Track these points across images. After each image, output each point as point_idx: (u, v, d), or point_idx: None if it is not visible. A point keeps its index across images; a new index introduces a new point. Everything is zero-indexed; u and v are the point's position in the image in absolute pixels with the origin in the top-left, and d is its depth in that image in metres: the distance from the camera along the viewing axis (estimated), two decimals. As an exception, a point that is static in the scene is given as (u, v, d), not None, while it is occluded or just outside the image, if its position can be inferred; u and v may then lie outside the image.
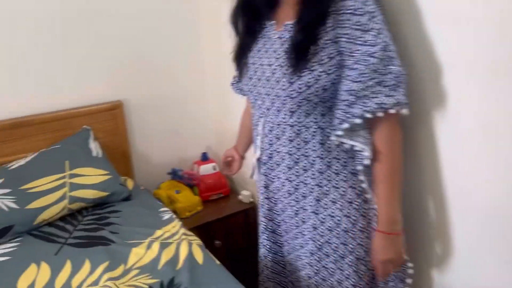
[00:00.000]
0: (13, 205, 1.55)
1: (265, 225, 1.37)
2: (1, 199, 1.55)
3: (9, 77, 1.79)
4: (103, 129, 1.98)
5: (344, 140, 1.12)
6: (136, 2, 1.99)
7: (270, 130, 1.24)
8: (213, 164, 2.17)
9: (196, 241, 1.47)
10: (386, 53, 1.04)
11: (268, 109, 1.23)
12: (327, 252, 1.23)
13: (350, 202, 1.19)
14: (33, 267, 1.37)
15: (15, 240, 1.53)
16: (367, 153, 1.11)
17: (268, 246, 1.39)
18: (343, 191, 1.19)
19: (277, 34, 1.19)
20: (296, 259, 1.31)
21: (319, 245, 1.23)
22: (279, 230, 1.35)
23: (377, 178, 1.15)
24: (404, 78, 1.07)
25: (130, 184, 1.91)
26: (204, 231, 1.97)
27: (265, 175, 1.31)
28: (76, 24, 1.88)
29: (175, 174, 2.12)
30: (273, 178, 1.29)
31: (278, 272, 1.41)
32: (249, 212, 2.08)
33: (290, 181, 1.25)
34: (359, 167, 1.15)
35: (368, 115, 1.06)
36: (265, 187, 1.33)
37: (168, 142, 2.21)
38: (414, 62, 1.17)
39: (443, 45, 1.11)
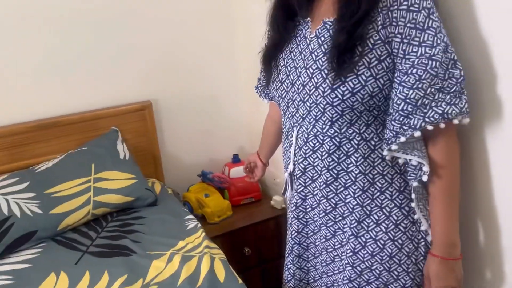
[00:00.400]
0: (37, 210, 1.52)
1: (290, 248, 1.26)
2: (25, 203, 1.53)
3: (35, 77, 1.76)
4: (131, 130, 1.93)
5: (399, 155, 0.99)
6: (167, 2, 1.91)
7: (305, 142, 1.11)
8: (245, 166, 2.07)
9: (219, 255, 1.38)
10: (447, 55, 0.91)
11: (302, 118, 1.09)
12: (368, 279, 1.10)
13: (396, 224, 1.06)
14: (52, 276, 1.33)
15: (38, 246, 1.50)
16: (426, 168, 0.97)
17: (291, 270, 1.28)
18: (388, 211, 1.06)
19: (314, 32, 1.05)
20: (327, 286, 1.19)
21: (359, 271, 1.11)
22: (306, 255, 1.24)
23: (434, 196, 1.01)
24: (465, 82, 0.93)
25: (157, 187, 1.86)
26: (234, 237, 1.89)
27: (298, 192, 1.18)
28: (105, 24, 1.82)
29: (205, 177, 2.05)
30: (307, 195, 1.17)
31: None
32: (281, 219, 1.97)
33: (327, 199, 1.11)
34: (415, 184, 1.00)
35: (429, 127, 0.93)
36: (296, 205, 1.20)
37: (199, 143, 2.14)
38: (469, 65, 1.01)
39: (502, 46, 0.96)
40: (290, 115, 1.14)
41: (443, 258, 1.00)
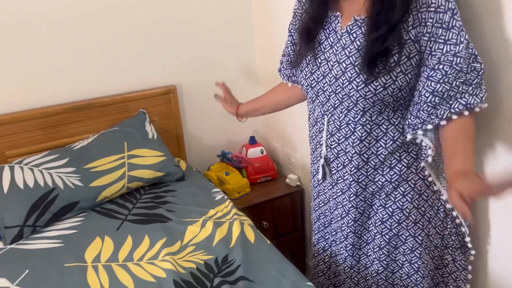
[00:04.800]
0: (78, 183, 1.66)
1: (318, 230, 1.39)
2: (67, 177, 1.67)
3: (71, 63, 1.90)
4: (158, 112, 2.07)
5: (419, 137, 1.12)
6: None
7: (338, 129, 1.20)
8: (261, 147, 2.22)
9: (247, 221, 1.54)
10: (469, 51, 1.01)
11: (334, 107, 1.18)
12: (396, 244, 1.24)
13: (420, 193, 1.19)
14: (98, 240, 1.47)
15: (80, 215, 1.64)
16: (431, 151, 1.10)
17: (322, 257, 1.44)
18: (414, 183, 1.19)
19: (345, 28, 1.12)
20: (360, 259, 1.33)
21: (388, 238, 1.24)
22: (332, 239, 1.39)
23: (458, 137, 1.05)
24: (483, 73, 1.04)
25: (183, 165, 2.00)
26: (253, 212, 2.03)
27: (331, 175, 1.28)
28: (134, 14, 1.96)
29: (224, 157, 2.19)
30: (338, 180, 1.26)
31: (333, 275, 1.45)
32: (296, 195, 2.12)
33: (358, 182, 1.22)
34: (422, 164, 1.15)
35: (455, 116, 1.04)
36: (332, 185, 1.30)
37: (218, 126, 2.28)
38: (490, 58, 1.14)
39: None
40: (320, 103, 1.21)
41: (463, 171, 1.00)
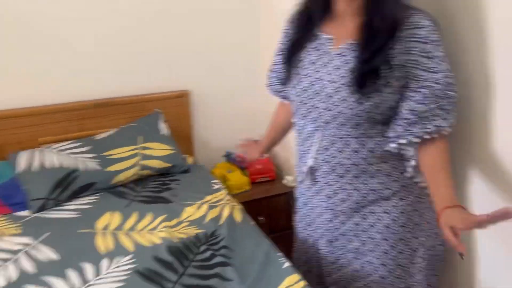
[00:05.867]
0: (97, 167, 1.92)
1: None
2: (88, 161, 1.93)
3: (98, 65, 2.19)
4: (171, 114, 2.32)
5: (405, 147, 1.21)
6: (203, 2, 2.31)
7: (332, 143, 1.25)
8: (263, 150, 2.43)
9: (238, 206, 1.76)
10: (446, 80, 1.13)
11: (326, 123, 1.24)
12: (401, 250, 1.29)
13: (419, 197, 1.28)
14: (108, 214, 1.72)
15: (96, 194, 1.89)
16: (414, 162, 1.22)
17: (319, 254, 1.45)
18: (410, 190, 1.27)
19: (337, 50, 1.22)
20: (353, 262, 1.36)
21: (393, 242, 1.28)
22: (336, 244, 1.38)
23: (436, 166, 1.17)
24: (456, 102, 1.16)
25: (190, 160, 2.24)
26: (250, 207, 2.21)
27: (329, 185, 1.31)
28: (153, 24, 2.24)
29: (229, 157, 2.42)
30: (336, 190, 1.30)
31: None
32: (292, 195, 2.32)
33: (358, 190, 1.27)
34: (408, 175, 1.26)
35: (427, 136, 1.15)
36: (328, 197, 1.33)
37: (226, 129, 2.51)
38: (468, 83, 1.27)
39: (497, 71, 1.20)
40: (312, 119, 1.27)
41: (461, 207, 1.09)
